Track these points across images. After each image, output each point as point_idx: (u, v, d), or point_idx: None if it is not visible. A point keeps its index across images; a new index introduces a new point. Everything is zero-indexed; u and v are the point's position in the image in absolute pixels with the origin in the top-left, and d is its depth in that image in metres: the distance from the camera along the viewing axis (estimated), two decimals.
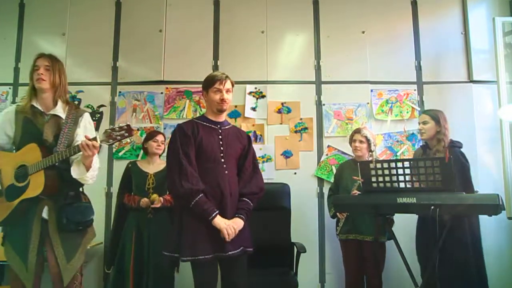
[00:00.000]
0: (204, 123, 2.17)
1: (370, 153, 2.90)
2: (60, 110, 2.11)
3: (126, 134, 1.92)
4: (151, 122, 3.49)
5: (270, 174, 3.39)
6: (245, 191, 2.14)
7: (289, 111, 3.51)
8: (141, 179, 2.90)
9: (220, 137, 2.15)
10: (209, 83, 2.15)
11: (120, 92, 3.55)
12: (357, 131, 2.95)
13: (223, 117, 2.23)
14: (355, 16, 3.61)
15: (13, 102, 3.52)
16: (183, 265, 2.93)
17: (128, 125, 1.91)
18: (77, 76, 3.50)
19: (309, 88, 3.54)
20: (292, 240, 3.01)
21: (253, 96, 3.51)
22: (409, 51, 3.58)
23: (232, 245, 2.01)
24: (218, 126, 2.18)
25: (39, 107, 2.08)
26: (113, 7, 3.65)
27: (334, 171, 3.25)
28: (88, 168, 1.99)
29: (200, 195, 1.98)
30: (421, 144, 3.05)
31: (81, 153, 1.96)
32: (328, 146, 3.45)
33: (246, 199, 2.13)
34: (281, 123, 3.50)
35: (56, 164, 1.98)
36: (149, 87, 3.55)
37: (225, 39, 3.61)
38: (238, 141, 2.21)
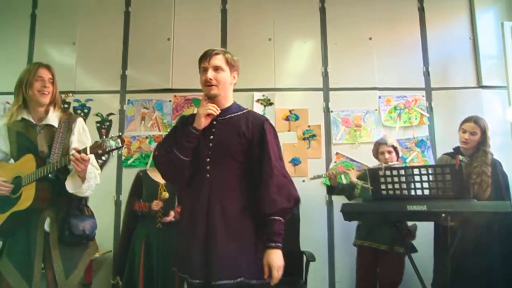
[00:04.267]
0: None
1: (398, 161, 2.80)
2: (52, 119, 1.99)
3: (116, 146, 1.75)
4: (159, 130, 3.50)
5: None
6: (270, 211, 1.54)
7: (297, 118, 3.50)
8: (153, 189, 2.88)
9: (213, 129, 1.66)
10: (198, 64, 1.71)
11: (129, 100, 3.57)
12: (383, 142, 2.83)
13: (225, 103, 1.69)
14: (362, 23, 3.61)
15: None
16: None
17: (119, 135, 1.76)
18: (87, 84, 3.56)
19: (316, 95, 3.53)
20: (301, 249, 2.99)
21: (261, 103, 3.52)
22: (417, 57, 3.57)
23: (225, 271, 1.50)
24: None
25: (31, 119, 1.96)
26: (122, 16, 3.69)
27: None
28: (83, 179, 1.87)
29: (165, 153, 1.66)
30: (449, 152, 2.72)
31: None
32: (337, 153, 3.44)
33: (276, 218, 1.55)
34: (289, 131, 3.49)
35: (50, 175, 1.88)
36: (157, 95, 3.57)
37: (233, 46, 3.61)
38: (236, 132, 1.63)
